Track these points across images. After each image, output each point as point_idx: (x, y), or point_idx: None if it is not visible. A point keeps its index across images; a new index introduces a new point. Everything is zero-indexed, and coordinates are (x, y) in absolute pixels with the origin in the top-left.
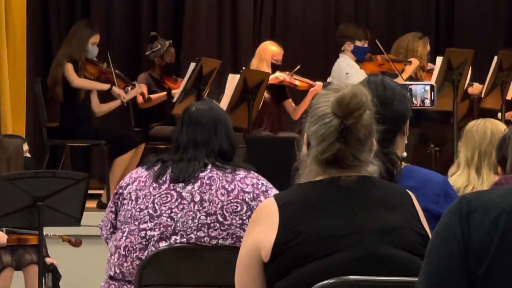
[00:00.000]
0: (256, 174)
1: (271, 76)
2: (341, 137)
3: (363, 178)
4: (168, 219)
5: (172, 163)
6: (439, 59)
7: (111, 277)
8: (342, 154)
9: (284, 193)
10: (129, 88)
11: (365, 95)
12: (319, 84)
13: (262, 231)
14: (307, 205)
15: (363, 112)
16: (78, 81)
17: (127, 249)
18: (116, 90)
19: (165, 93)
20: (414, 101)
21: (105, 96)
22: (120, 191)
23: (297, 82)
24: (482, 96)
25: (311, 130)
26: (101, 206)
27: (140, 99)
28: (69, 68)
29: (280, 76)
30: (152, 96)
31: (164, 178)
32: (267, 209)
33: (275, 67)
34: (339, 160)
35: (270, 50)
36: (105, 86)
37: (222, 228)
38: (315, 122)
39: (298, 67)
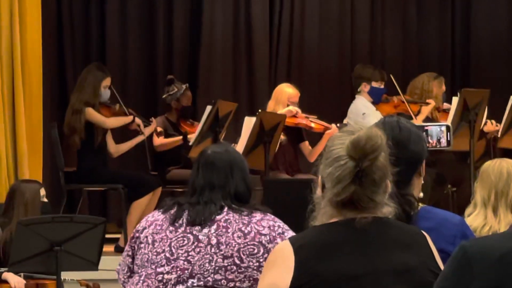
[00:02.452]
0: (272, 216)
1: (284, 110)
2: (356, 179)
3: (378, 219)
4: (185, 262)
5: (188, 206)
6: (455, 99)
7: None
8: (357, 196)
9: (299, 236)
10: (143, 127)
11: (380, 137)
12: (334, 126)
13: (278, 274)
14: (322, 247)
15: (378, 154)
16: (109, 121)
17: None
18: (137, 120)
19: (180, 137)
20: (430, 141)
21: (124, 135)
22: (137, 234)
23: (312, 125)
24: (499, 135)
25: (326, 172)
26: (119, 250)
27: (156, 140)
28: (92, 112)
29: (293, 109)
30: (168, 139)
31: (180, 222)
32: (283, 251)
33: None
34: (354, 202)
35: (286, 92)
36: (129, 119)
37: (239, 270)
38: (330, 164)
39: (315, 117)
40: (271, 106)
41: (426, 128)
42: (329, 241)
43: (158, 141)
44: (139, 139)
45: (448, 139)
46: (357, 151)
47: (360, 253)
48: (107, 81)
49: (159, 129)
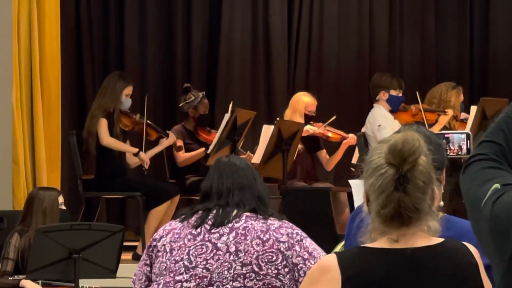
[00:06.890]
0: (290, 224)
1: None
2: (399, 187)
3: (431, 249)
4: (204, 270)
5: (218, 208)
6: (473, 109)
7: None
8: (403, 205)
9: (349, 261)
10: (164, 139)
11: (418, 140)
12: (352, 136)
13: None
14: (372, 282)
15: (418, 157)
16: (108, 140)
17: None
18: (142, 156)
19: (203, 149)
20: (452, 147)
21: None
22: (154, 243)
23: (329, 134)
24: None
25: (368, 184)
26: (137, 258)
27: (179, 157)
28: (103, 124)
29: (310, 129)
30: (191, 153)
31: (199, 230)
32: (330, 275)
33: (308, 118)
34: (402, 213)
35: (303, 101)
36: (133, 150)
37: (257, 278)
38: (371, 175)
39: (334, 117)
40: (288, 115)
41: (447, 135)
42: (380, 275)
43: (182, 157)
44: (156, 150)
45: (468, 147)
46: (395, 156)
47: None
48: (128, 90)
49: (178, 142)
